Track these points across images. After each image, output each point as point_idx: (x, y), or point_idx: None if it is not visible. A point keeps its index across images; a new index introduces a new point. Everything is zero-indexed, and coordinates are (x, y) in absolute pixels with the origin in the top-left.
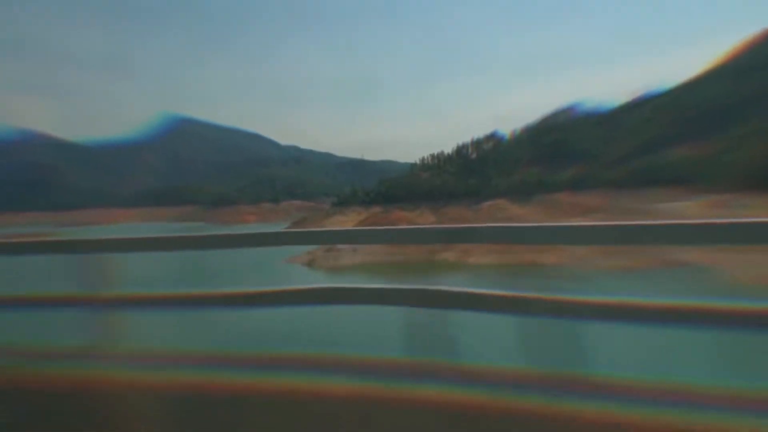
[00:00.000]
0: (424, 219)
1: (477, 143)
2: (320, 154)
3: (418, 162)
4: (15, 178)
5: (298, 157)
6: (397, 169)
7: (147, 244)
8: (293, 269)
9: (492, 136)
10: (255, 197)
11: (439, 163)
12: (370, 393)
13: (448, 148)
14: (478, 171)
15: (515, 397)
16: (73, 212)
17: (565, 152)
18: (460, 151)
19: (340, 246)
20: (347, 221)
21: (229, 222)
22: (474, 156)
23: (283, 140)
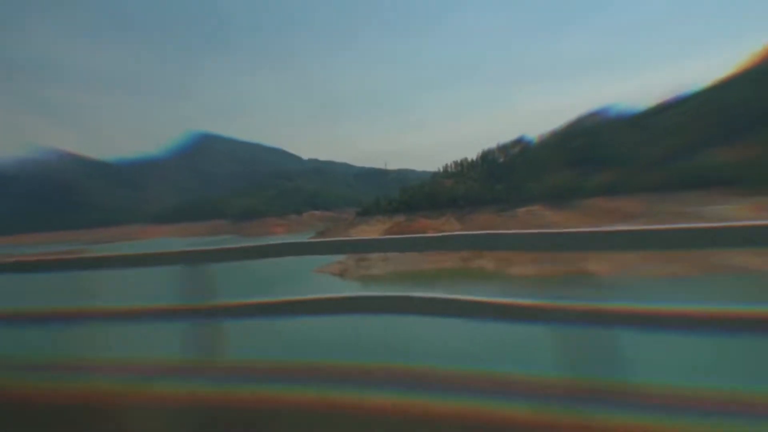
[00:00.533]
0: (450, 227)
1: (504, 148)
2: (339, 164)
3: (440, 169)
4: (42, 198)
5: (318, 168)
6: (415, 178)
7: (209, 255)
8: (324, 279)
9: (519, 141)
10: (280, 209)
11: (462, 170)
12: (405, 403)
13: (468, 155)
14: (506, 176)
15: (555, 408)
16: (100, 230)
17: (597, 156)
18: (486, 156)
19: (371, 255)
20: (371, 230)
21: (258, 234)
22: (501, 161)
23: (305, 154)
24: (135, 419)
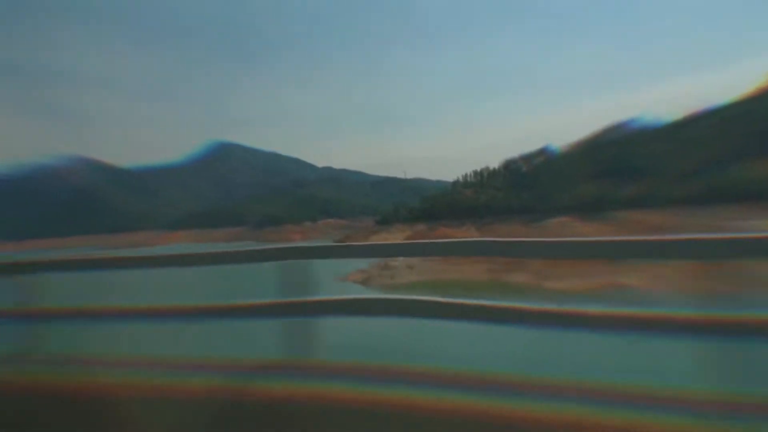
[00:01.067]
0: (471, 236)
1: (527, 157)
2: (353, 173)
3: (459, 179)
4: (66, 203)
5: (332, 177)
6: (430, 187)
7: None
8: (347, 287)
9: (543, 151)
10: (297, 217)
11: (482, 179)
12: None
13: (484, 165)
14: (531, 185)
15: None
16: (122, 235)
17: (625, 167)
18: (509, 165)
19: (395, 263)
20: (392, 239)
21: (277, 241)
22: (524, 170)
23: (319, 162)
24: (230, 416)
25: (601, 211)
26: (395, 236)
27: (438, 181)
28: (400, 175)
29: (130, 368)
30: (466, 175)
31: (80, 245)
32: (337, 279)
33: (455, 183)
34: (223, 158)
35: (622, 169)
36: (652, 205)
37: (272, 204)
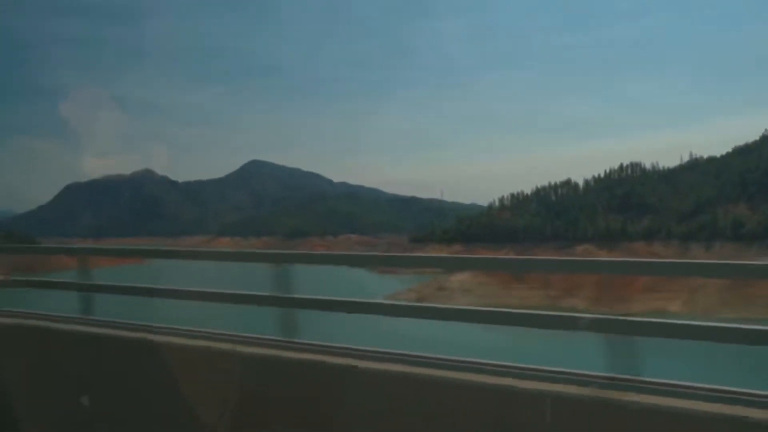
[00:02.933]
0: None
1: (555, 187)
2: (369, 189)
3: (495, 201)
4: (133, 208)
5: (350, 192)
6: (446, 208)
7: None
8: None
9: (567, 183)
10: (320, 230)
11: (517, 203)
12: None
13: (502, 190)
14: (560, 214)
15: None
16: (179, 239)
17: (636, 204)
18: (539, 192)
19: (450, 284)
20: None
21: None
22: (553, 199)
23: (335, 177)
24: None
25: (618, 242)
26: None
27: (455, 203)
28: (436, 195)
29: (184, 336)
30: (502, 197)
31: (151, 244)
32: (387, 297)
33: (491, 205)
34: (254, 174)
35: (633, 206)
36: (658, 239)
37: (295, 216)
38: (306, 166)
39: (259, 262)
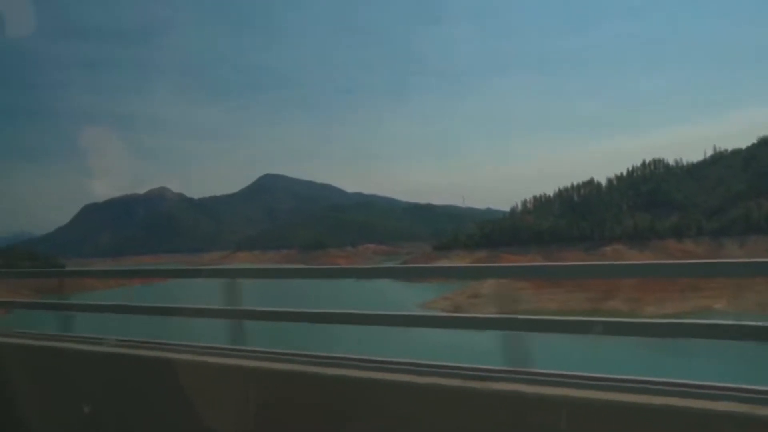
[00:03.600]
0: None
1: (578, 188)
2: (383, 198)
3: (518, 204)
4: (150, 226)
5: (365, 202)
6: (462, 213)
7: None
8: None
9: (590, 182)
10: (338, 242)
11: (540, 206)
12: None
13: (517, 194)
14: (585, 215)
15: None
16: (197, 255)
17: (662, 201)
18: (562, 194)
19: (483, 291)
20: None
21: (324, 264)
22: (576, 199)
23: (349, 188)
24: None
25: (648, 240)
26: (456, 263)
27: (469, 208)
28: (458, 202)
29: (206, 354)
30: (525, 200)
31: (170, 262)
32: (420, 305)
33: (513, 209)
34: (268, 188)
35: (660, 203)
36: (688, 236)
37: (312, 229)
38: (319, 178)
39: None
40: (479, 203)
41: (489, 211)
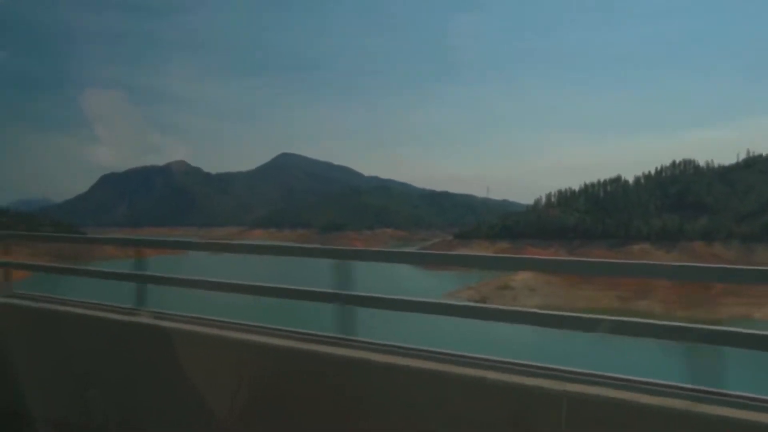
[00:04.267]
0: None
1: (603, 184)
2: (399, 183)
3: (542, 197)
4: (167, 198)
5: (382, 186)
6: (478, 204)
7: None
8: None
9: (616, 180)
10: (356, 224)
11: (565, 201)
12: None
13: (535, 187)
14: (611, 212)
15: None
16: (212, 229)
17: (691, 203)
18: (587, 189)
19: (514, 284)
20: None
21: (342, 245)
22: (601, 196)
23: (365, 171)
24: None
25: (675, 241)
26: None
27: (486, 199)
28: (481, 192)
29: (212, 327)
30: (549, 194)
31: (184, 235)
32: (447, 294)
33: (537, 202)
34: (284, 166)
35: (688, 205)
36: (719, 239)
37: (328, 209)
38: (336, 160)
39: (320, 257)
40: (496, 195)
41: (506, 203)
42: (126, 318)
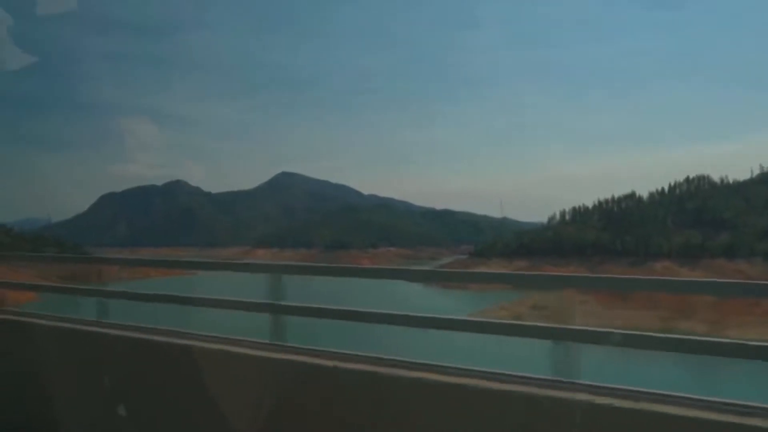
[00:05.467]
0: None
1: (618, 200)
2: (399, 202)
3: (556, 214)
4: (167, 218)
5: (383, 204)
6: (478, 221)
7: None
8: None
9: (631, 196)
10: (359, 243)
11: (580, 217)
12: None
13: (533, 205)
14: (627, 229)
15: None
16: (214, 249)
17: (710, 219)
18: (602, 205)
19: (548, 303)
20: None
21: (348, 264)
22: (616, 211)
23: (364, 189)
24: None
25: (699, 258)
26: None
27: (485, 216)
28: (495, 212)
29: (216, 343)
30: (563, 211)
31: (186, 255)
32: (473, 314)
33: (551, 219)
34: (284, 185)
35: (707, 221)
36: (739, 256)
37: (329, 228)
38: (334, 178)
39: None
40: (495, 212)
41: (508, 221)
42: (147, 336)
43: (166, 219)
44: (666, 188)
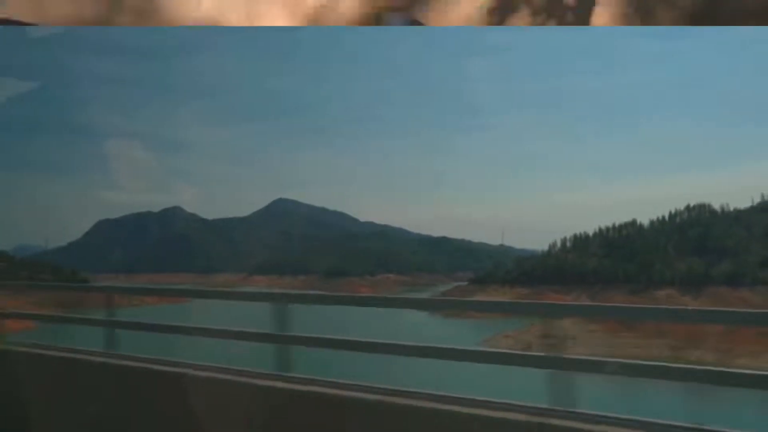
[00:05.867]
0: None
1: (618, 228)
2: (396, 229)
3: (558, 242)
4: (163, 245)
5: (381, 232)
6: (474, 249)
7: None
8: None
9: (632, 224)
10: (358, 270)
11: (580, 245)
12: None
13: (529, 233)
14: (629, 257)
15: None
16: (210, 276)
17: (713, 247)
18: (602, 233)
19: (556, 332)
20: None
21: (347, 292)
22: (617, 240)
23: (361, 216)
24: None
25: (702, 286)
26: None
27: (480, 243)
28: (492, 239)
29: (212, 372)
30: (564, 239)
31: (182, 282)
32: (483, 343)
33: (552, 247)
34: (281, 212)
35: (709, 249)
36: (743, 284)
37: (327, 255)
38: (331, 205)
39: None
40: (493, 239)
41: (503, 248)
42: (138, 365)
43: (162, 245)
44: (667, 216)
